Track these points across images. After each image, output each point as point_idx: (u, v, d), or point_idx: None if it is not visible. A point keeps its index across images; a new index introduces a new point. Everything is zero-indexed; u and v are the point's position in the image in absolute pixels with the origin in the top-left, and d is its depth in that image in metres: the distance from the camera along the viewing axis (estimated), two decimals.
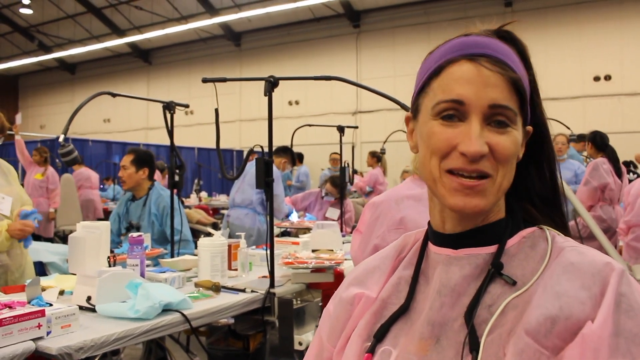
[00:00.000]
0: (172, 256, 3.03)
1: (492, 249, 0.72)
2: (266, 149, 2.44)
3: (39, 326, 1.57)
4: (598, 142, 4.57)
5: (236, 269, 2.65)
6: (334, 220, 4.52)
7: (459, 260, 0.73)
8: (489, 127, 0.68)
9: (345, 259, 2.58)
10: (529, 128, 0.74)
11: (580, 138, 5.80)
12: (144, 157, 3.38)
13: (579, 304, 0.62)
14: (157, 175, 7.84)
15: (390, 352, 0.73)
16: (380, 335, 0.75)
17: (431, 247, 0.78)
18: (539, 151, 0.76)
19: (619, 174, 4.47)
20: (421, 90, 0.75)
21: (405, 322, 0.75)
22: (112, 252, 2.11)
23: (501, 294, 0.68)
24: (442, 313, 0.71)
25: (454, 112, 0.69)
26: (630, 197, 3.76)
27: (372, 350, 0.75)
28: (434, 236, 0.78)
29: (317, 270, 2.48)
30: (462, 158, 0.68)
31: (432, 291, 0.73)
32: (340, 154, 4.55)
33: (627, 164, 4.54)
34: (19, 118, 6.53)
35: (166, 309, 1.90)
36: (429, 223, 0.80)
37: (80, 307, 1.80)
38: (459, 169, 0.68)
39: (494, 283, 0.70)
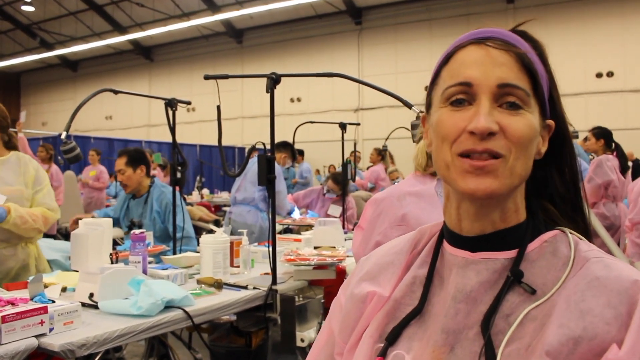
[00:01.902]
0: (175, 253, 3.04)
1: (511, 253, 0.69)
2: (268, 146, 2.44)
3: (42, 323, 1.57)
4: (609, 138, 4.56)
5: (238, 266, 2.66)
6: (336, 217, 4.52)
7: (475, 264, 0.69)
8: (500, 108, 0.66)
9: (347, 256, 2.58)
10: (550, 122, 0.71)
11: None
12: (137, 156, 3.38)
13: (603, 324, 0.59)
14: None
15: (404, 357, 0.71)
16: (392, 338, 0.73)
17: (447, 246, 0.75)
18: (559, 150, 0.74)
19: (623, 172, 4.46)
20: (432, 83, 0.74)
21: (420, 325, 0.72)
22: (114, 249, 2.12)
23: (520, 303, 0.66)
24: (457, 320, 0.68)
25: (463, 96, 0.67)
26: (633, 194, 3.75)
27: (383, 354, 0.72)
28: (450, 236, 0.75)
29: (319, 267, 2.48)
30: (471, 138, 0.65)
31: (447, 296, 0.71)
32: (342, 151, 4.55)
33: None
34: (23, 116, 6.54)
35: (168, 306, 1.90)
36: (444, 222, 0.77)
37: (83, 304, 1.80)
38: (469, 150, 0.65)
39: (512, 291, 0.67)
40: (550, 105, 0.71)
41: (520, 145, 0.65)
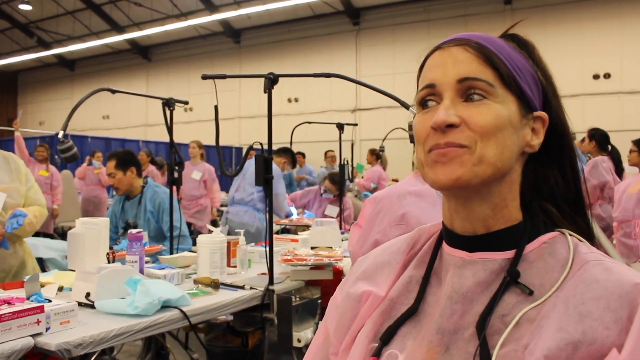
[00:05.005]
0: (171, 252, 3.03)
1: (509, 254, 0.68)
2: (265, 146, 2.44)
3: (38, 322, 1.57)
4: (599, 140, 4.58)
5: (235, 266, 2.66)
6: (333, 217, 4.52)
7: (473, 264, 0.69)
8: (465, 102, 0.67)
9: (344, 256, 2.58)
10: (541, 113, 0.71)
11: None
12: (126, 157, 3.38)
13: (603, 328, 0.58)
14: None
15: (397, 356, 0.70)
16: (386, 338, 0.72)
17: (445, 246, 0.75)
18: (559, 150, 0.73)
19: (619, 173, 4.48)
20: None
21: (414, 325, 0.72)
22: (111, 248, 2.11)
23: (516, 304, 0.65)
24: (453, 321, 0.68)
25: (430, 98, 0.70)
26: (618, 193, 3.80)
27: (378, 353, 0.72)
28: (447, 235, 0.74)
29: (316, 267, 2.48)
30: (435, 134, 0.67)
31: (443, 296, 0.70)
32: (340, 152, 4.55)
33: None
34: (19, 115, 6.54)
35: (165, 306, 1.90)
36: (442, 222, 0.76)
37: (79, 304, 1.80)
38: (434, 146, 0.67)
39: (509, 291, 0.66)
40: (544, 100, 0.72)
41: (485, 134, 0.65)
